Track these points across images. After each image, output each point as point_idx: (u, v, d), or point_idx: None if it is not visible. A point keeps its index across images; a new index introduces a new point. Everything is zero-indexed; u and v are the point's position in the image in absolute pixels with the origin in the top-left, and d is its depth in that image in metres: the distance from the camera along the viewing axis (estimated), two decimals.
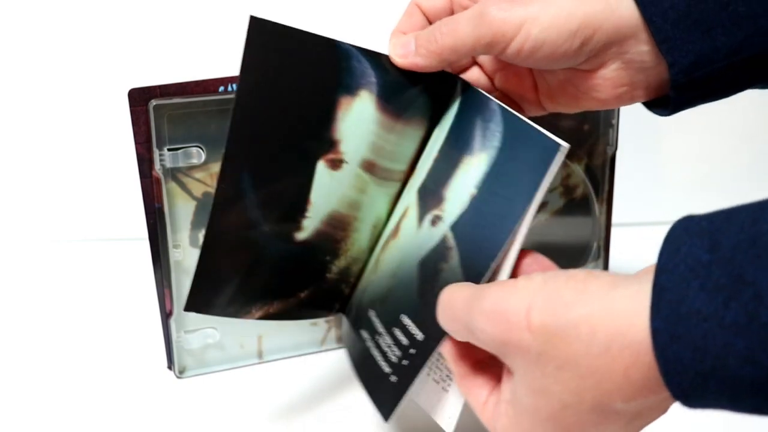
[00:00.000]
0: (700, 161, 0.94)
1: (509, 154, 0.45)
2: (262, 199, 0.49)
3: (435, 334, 0.44)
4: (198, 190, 0.60)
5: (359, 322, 0.53)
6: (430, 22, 0.52)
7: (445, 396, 0.47)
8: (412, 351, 0.47)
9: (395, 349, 0.48)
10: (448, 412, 0.47)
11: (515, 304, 0.36)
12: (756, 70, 0.47)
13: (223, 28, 0.87)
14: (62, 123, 0.89)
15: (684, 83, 0.46)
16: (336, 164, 0.51)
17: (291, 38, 0.47)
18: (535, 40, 0.45)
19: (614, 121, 0.68)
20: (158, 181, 0.59)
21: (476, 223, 0.45)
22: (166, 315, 0.61)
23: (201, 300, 0.51)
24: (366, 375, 0.51)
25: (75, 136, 0.89)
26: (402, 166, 0.53)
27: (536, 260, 0.44)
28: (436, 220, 0.48)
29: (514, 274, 0.44)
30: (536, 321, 0.36)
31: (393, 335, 0.49)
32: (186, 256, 0.61)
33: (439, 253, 0.47)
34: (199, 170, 0.60)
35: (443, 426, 0.47)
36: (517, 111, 0.47)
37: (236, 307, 0.52)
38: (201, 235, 0.61)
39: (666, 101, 0.48)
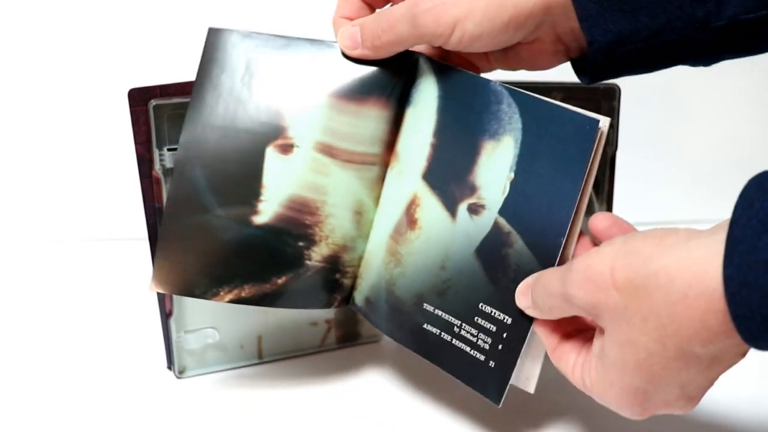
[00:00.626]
0: (700, 161, 0.95)
1: (537, 133, 0.48)
2: (213, 184, 0.53)
3: (522, 312, 0.48)
4: None
5: (414, 316, 0.54)
6: (368, 4, 0.55)
7: (520, 361, 0.49)
8: (504, 335, 0.49)
9: (484, 336, 0.50)
10: (525, 374, 0.50)
11: (600, 267, 0.40)
12: (677, 53, 0.49)
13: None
14: (62, 123, 0.89)
15: (601, 61, 0.49)
16: (286, 149, 0.53)
17: (246, 38, 0.53)
18: (471, 35, 0.48)
19: (614, 121, 0.68)
20: (158, 181, 0.58)
21: (527, 205, 0.48)
22: (165, 315, 0.61)
23: (164, 279, 0.54)
24: (454, 366, 0.52)
25: (75, 136, 0.89)
26: (373, 149, 0.55)
27: (617, 224, 0.47)
28: (478, 209, 0.51)
29: (597, 239, 0.47)
30: (620, 278, 0.39)
31: (476, 324, 0.51)
32: None
33: (496, 239, 0.50)
34: None
35: (524, 386, 0.51)
36: (473, 71, 0.52)
37: (202, 289, 0.54)
38: None
39: (585, 68, 0.51)
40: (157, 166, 0.58)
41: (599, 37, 0.48)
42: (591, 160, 0.46)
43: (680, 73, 0.54)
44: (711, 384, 0.41)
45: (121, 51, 0.87)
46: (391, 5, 0.54)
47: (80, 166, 0.90)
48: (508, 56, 0.53)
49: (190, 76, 0.59)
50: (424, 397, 0.60)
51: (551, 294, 0.44)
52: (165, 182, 0.59)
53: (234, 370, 0.64)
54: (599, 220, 0.47)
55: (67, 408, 0.59)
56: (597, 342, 0.43)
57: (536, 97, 0.49)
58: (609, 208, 0.72)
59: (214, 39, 0.53)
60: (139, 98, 0.57)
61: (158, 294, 0.61)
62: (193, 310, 0.62)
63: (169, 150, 0.58)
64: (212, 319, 0.63)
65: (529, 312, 0.47)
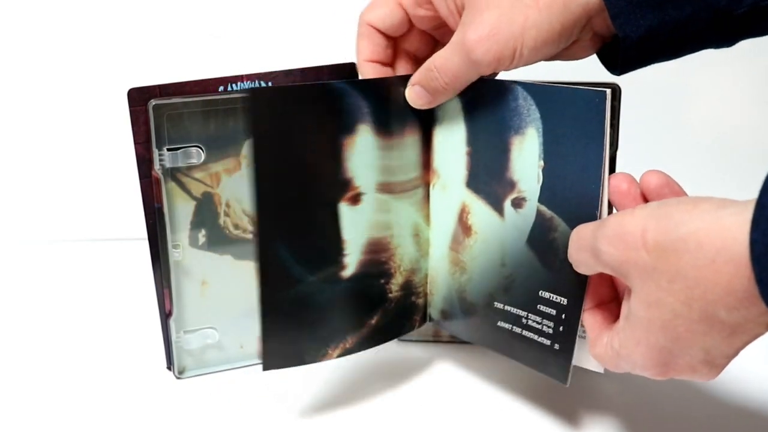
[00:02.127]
0: (700, 161, 0.94)
1: (556, 117, 0.51)
2: (299, 256, 0.54)
3: (575, 292, 0.50)
4: (197, 190, 0.60)
5: (488, 317, 0.56)
6: (388, 38, 0.56)
7: (579, 341, 0.52)
8: (563, 316, 0.52)
9: (547, 322, 0.53)
10: (586, 355, 0.52)
11: (632, 227, 0.41)
12: (701, 40, 0.51)
13: (223, 29, 0.87)
14: (62, 123, 0.89)
15: (633, 54, 0.51)
16: (356, 199, 0.55)
17: (288, 96, 0.52)
18: (527, 58, 0.50)
19: (614, 121, 0.67)
20: (158, 181, 0.58)
21: (562, 186, 0.51)
22: (165, 315, 0.61)
23: (276, 359, 0.55)
24: (526, 356, 0.55)
25: (75, 136, 0.89)
26: (414, 173, 0.57)
27: (669, 185, 0.48)
28: (520, 202, 0.53)
29: (647, 197, 0.49)
30: (651, 240, 0.40)
31: (539, 312, 0.53)
32: (185, 256, 0.61)
33: (542, 226, 0.52)
34: (199, 170, 0.60)
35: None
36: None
37: (312, 354, 0.56)
38: (200, 235, 0.61)
39: (615, 62, 0.53)
40: (156, 166, 0.58)
41: (631, 33, 0.50)
42: (605, 128, 0.48)
43: (680, 72, 0.55)
44: (735, 353, 0.42)
45: (121, 51, 0.87)
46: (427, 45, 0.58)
47: (80, 166, 0.90)
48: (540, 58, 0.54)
49: (190, 76, 0.59)
50: (424, 396, 0.60)
51: (582, 247, 0.46)
52: (164, 182, 0.59)
53: (234, 370, 0.64)
54: (652, 178, 0.48)
55: (67, 408, 0.59)
56: (625, 304, 0.45)
57: (547, 85, 0.51)
58: (609, 209, 0.71)
59: (260, 105, 0.51)
60: (138, 98, 0.57)
61: (158, 294, 0.61)
62: (192, 310, 0.62)
63: (168, 150, 0.58)
64: (212, 319, 0.63)
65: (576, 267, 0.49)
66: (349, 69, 0.63)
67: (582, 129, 0.49)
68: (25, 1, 0.86)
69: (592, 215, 0.49)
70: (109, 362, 0.65)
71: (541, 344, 0.53)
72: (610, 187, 0.49)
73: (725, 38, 0.51)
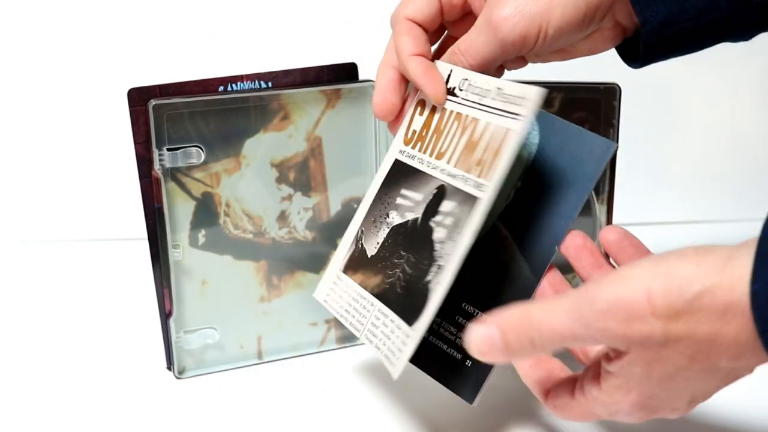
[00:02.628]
0: (701, 161, 0.94)
1: (555, 150, 0.51)
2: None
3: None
4: (197, 189, 0.60)
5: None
6: (426, 32, 0.55)
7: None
8: None
9: (462, 335, 0.50)
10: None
11: (633, 295, 0.37)
12: (721, 30, 0.51)
13: (223, 29, 0.87)
14: (62, 123, 0.89)
15: (654, 41, 0.51)
16: None
17: None
18: (551, 40, 0.50)
19: (614, 121, 0.67)
20: (158, 181, 0.58)
21: (527, 213, 0.50)
22: (165, 315, 0.61)
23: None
24: (434, 367, 0.53)
25: (75, 136, 0.89)
26: None
27: (627, 237, 0.47)
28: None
29: (608, 252, 0.48)
30: (660, 304, 0.37)
31: (456, 323, 0.52)
32: (185, 256, 0.61)
33: (491, 242, 0.52)
34: (199, 170, 0.60)
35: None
36: (519, 65, 0.54)
37: None
38: (200, 235, 0.61)
39: (636, 55, 0.53)
40: (156, 166, 0.58)
41: (651, 18, 0.50)
42: (598, 176, 0.49)
43: (680, 72, 0.55)
44: (716, 392, 0.42)
45: (121, 51, 0.87)
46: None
47: (80, 166, 0.90)
48: (557, 51, 0.54)
49: (190, 76, 0.59)
50: (423, 396, 0.60)
51: (556, 334, 0.39)
52: (164, 182, 0.59)
53: (234, 370, 0.64)
54: (609, 233, 0.47)
55: (66, 408, 0.59)
56: (614, 364, 0.41)
57: (558, 119, 0.51)
58: (609, 208, 0.72)
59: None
60: (138, 98, 0.57)
61: (158, 294, 0.61)
62: (192, 310, 0.62)
63: (168, 150, 0.58)
64: (212, 319, 0.63)
65: (495, 358, 0.42)
66: (350, 69, 0.63)
67: (579, 168, 0.49)
68: (25, 2, 0.86)
69: (550, 251, 0.49)
70: (110, 362, 0.65)
71: (450, 356, 0.51)
72: (565, 242, 0.48)
73: (743, 30, 0.51)
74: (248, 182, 0.61)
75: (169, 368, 0.63)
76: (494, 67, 0.52)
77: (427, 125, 0.53)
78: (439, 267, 0.48)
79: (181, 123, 0.58)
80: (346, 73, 0.63)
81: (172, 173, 0.59)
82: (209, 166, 0.60)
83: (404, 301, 0.50)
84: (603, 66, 0.59)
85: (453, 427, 0.57)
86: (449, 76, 0.52)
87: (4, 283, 0.81)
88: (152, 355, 0.64)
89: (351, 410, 0.59)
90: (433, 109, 0.53)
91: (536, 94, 0.46)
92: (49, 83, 0.88)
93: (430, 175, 0.52)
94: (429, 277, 0.49)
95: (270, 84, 0.61)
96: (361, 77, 0.63)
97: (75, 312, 0.74)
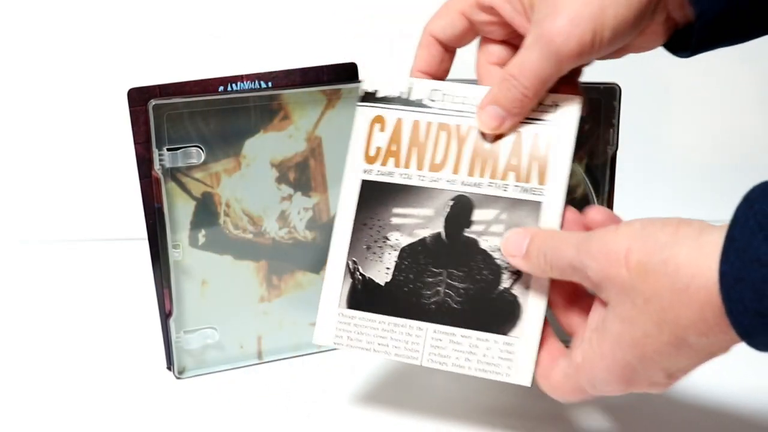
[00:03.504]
0: (701, 161, 0.94)
1: None
2: None
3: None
4: (197, 189, 0.60)
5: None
6: (447, 50, 0.53)
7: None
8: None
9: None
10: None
11: (616, 246, 0.42)
12: None
13: (223, 28, 0.87)
14: (62, 123, 0.89)
15: (707, 34, 0.49)
16: None
17: None
18: (608, 43, 0.48)
19: (614, 121, 0.67)
20: (158, 181, 0.58)
21: None
22: (165, 315, 0.61)
23: None
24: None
25: (75, 136, 0.89)
26: None
27: (613, 220, 0.48)
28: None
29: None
30: (633, 259, 0.41)
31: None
32: (185, 256, 0.61)
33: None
34: (199, 170, 0.60)
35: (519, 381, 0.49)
36: None
37: None
38: (200, 235, 0.61)
39: (685, 45, 0.51)
40: (156, 166, 0.58)
41: (707, 9, 0.48)
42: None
43: (680, 72, 0.54)
44: (694, 369, 0.43)
45: (121, 51, 0.87)
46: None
47: (80, 166, 0.90)
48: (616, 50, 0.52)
49: (190, 76, 0.59)
50: (423, 396, 0.60)
51: (560, 257, 0.46)
52: (164, 182, 0.59)
53: (234, 370, 0.64)
54: (595, 213, 0.49)
55: (66, 408, 0.59)
56: (595, 315, 0.46)
57: None
58: (609, 208, 0.71)
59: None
60: (138, 98, 0.57)
61: (158, 294, 0.61)
62: (192, 310, 0.62)
63: (168, 150, 0.58)
64: (212, 319, 0.63)
65: (515, 262, 0.48)
66: (350, 69, 0.63)
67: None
68: (25, 2, 0.86)
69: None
70: (110, 362, 0.65)
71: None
72: (586, 216, 0.49)
73: None
74: (248, 182, 0.61)
75: (169, 368, 0.63)
76: (548, 89, 0.50)
77: (395, 140, 0.53)
78: (513, 273, 0.50)
79: (181, 123, 0.58)
80: (346, 73, 0.63)
81: (172, 173, 0.59)
82: (209, 166, 0.60)
83: (472, 313, 0.50)
84: (603, 66, 0.59)
85: (453, 427, 0.57)
86: (410, 90, 0.53)
87: (4, 283, 0.81)
88: (152, 355, 0.64)
89: (351, 410, 0.59)
90: (399, 123, 0.53)
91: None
92: (49, 83, 0.88)
93: (433, 188, 0.52)
94: (504, 285, 0.50)
95: (270, 84, 0.61)
96: (361, 77, 0.63)
97: (75, 312, 0.74)
